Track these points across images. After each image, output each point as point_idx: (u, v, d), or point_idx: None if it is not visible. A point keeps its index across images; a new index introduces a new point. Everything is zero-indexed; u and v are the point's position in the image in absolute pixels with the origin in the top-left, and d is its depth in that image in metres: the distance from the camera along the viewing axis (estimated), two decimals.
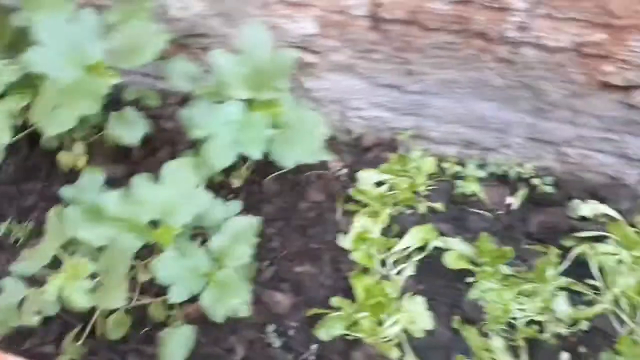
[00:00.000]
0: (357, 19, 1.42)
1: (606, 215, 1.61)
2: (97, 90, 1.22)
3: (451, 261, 1.48)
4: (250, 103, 1.41)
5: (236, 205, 1.45)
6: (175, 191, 1.18)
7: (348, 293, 1.47)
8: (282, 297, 1.48)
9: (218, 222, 1.28)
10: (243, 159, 1.63)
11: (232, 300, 1.17)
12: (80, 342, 1.27)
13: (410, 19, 1.38)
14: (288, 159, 1.35)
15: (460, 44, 1.40)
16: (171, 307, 1.38)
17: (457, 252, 1.49)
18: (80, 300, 1.05)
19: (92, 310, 1.29)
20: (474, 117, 1.60)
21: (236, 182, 1.66)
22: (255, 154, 1.30)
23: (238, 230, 1.24)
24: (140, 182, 1.18)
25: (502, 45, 1.37)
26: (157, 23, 1.60)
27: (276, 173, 1.69)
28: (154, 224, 1.19)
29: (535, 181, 1.66)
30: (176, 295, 1.13)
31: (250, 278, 1.35)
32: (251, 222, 1.27)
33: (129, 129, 1.46)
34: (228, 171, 1.66)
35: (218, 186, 1.65)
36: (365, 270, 1.51)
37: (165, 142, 1.74)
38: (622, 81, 1.36)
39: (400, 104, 1.65)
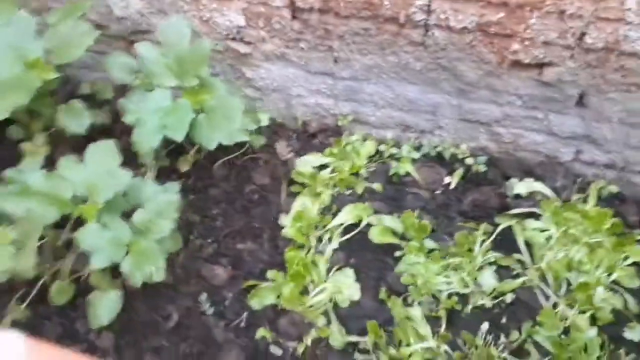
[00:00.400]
0: (279, 9, 1.51)
1: (540, 193, 1.65)
2: (31, 84, 1.34)
3: (376, 235, 1.54)
4: (181, 91, 1.52)
5: (174, 186, 1.55)
6: (97, 170, 1.29)
7: (283, 267, 1.54)
8: (220, 270, 1.56)
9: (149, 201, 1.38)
10: (191, 144, 1.74)
11: (148, 267, 1.26)
12: (24, 305, 1.39)
13: (324, 7, 1.45)
14: (210, 141, 1.44)
15: (374, 29, 1.47)
16: (115, 277, 1.48)
17: (382, 226, 1.55)
18: (1, 264, 1.16)
19: (38, 277, 1.41)
20: (403, 100, 1.67)
21: (184, 167, 1.76)
22: (178, 137, 1.40)
23: (160, 207, 1.34)
24: (66, 162, 1.30)
25: (413, 29, 1.43)
26: (107, 22, 1.74)
27: (224, 158, 1.79)
28: (83, 201, 1.30)
29: (470, 161, 1.71)
30: (97, 262, 1.23)
31: (175, 250, 1.44)
32: (171, 199, 1.36)
33: (76, 120, 1.58)
34: (176, 157, 1.78)
35: (169, 171, 1.76)
36: (301, 246, 1.58)
37: (122, 132, 1.85)
38: (530, 59, 1.41)
39: (336, 90, 1.73)
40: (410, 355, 1.35)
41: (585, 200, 1.62)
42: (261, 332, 1.42)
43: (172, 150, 1.76)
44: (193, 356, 1.39)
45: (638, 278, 1.46)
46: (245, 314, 1.47)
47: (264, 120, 1.80)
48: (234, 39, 1.69)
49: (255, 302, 1.48)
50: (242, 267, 1.58)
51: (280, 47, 1.67)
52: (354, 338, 1.40)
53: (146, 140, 1.40)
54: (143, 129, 1.40)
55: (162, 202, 1.35)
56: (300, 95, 1.79)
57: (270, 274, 1.53)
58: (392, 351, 1.36)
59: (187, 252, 1.60)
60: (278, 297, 1.48)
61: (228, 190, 1.76)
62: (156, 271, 1.27)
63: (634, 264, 1.50)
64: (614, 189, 1.64)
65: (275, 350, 1.40)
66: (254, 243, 1.64)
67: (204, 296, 1.48)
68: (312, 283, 1.49)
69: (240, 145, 1.82)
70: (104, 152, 1.33)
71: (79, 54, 1.43)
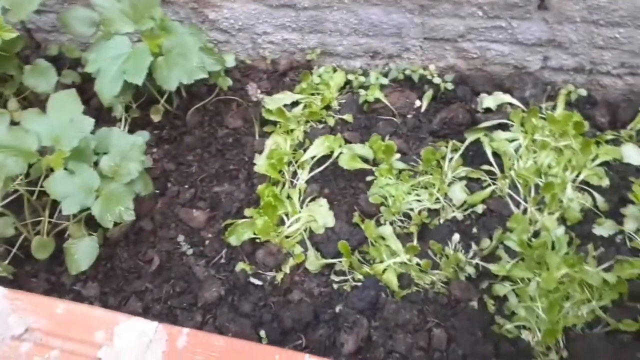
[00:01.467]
0: None
1: (510, 104, 1.63)
2: None
3: (345, 162, 1.55)
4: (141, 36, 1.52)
5: (143, 134, 1.57)
6: (60, 120, 1.31)
7: (259, 204, 1.57)
8: (198, 213, 1.60)
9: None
10: (160, 93, 1.75)
11: (117, 208, 1.30)
12: (6, 261, 1.44)
13: None
14: (169, 81, 1.45)
15: None
16: (95, 229, 1.53)
17: (351, 153, 1.56)
18: None
19: (19, 235, 1.47)
20: (367, 25, 1.65)
21: (156, 117, 1.78)
22: (138, 80, 1.41)
23: (125, 150, 1.37)
24: (29, 115, 1.32)
25: None
26: None
27: (197, 105, 1.80)
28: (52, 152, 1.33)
29: (439, 81, 1.70)
30: (68, 208, 1.27)
31: (147, 193, 1.47)
32: (135, 141, 1.39)
33: (43, 79, 1.60)
34: (147, 107, 1.79)
35: (143, 123, 1.78)
36: (275, 183, 1.61)
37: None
38: None
39: (300, 22, 1.71)
40: (384, 271, 1.38)
41: (555, 107, 1.60)
42: (240, 266, 1.46)
43: (144, 101, 1.78)
44: (176, 295, 1.44)
45: (607, 177, 1.46)
46: (224, 251, 1.51)
47: (230, 61, 1.79)
48: None
49: (233, 239, 1.51)
50: (219, 208, 1.61)
51: None
52: (329, 260, 1.43)
53: (107, 88, 1.42)
54: (104, 77, 1.41)
55: (127, 146, 1.37)
56: (266, 33, 1.77)
57: (247, 211, 1.56)
58: (366, 269, 1.39)
59: (164, 199, 1.63)
60: (255, 232, 1.51)
61: (202, 136, 1.77)
62: (125, 211, 1.31)
63: (604, 163, 1.49)
64: (583, 92, 1.62)
65: (255, 281, 1.45)
66: (230, 184, 1.66)
67: (182, 238, 1.52)
68: (287, 215, 1.52)
69: (210, 90, 1.83)
70: (66, 101, 1.35)
71: (32, 8, 1.43)
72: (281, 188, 1.59)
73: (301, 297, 1.38)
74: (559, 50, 1.57)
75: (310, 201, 1.55)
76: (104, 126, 1.52)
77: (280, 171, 1.61)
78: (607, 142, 1.52)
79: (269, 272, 1.45)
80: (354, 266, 1.41)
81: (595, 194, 1.43)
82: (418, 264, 1.37)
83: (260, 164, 1.64)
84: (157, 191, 1.65)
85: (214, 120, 1.81)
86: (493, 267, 1.33)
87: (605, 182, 1.45)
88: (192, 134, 1.78)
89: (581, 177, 1.45)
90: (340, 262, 1.43)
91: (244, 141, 1.75)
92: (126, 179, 1.35)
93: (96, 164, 1.41)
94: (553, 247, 1.32)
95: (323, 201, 1.55)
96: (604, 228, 1.37)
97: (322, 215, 1.52)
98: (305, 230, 1.50)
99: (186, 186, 1.67)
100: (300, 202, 1.55)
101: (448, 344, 1.25)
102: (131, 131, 1.70)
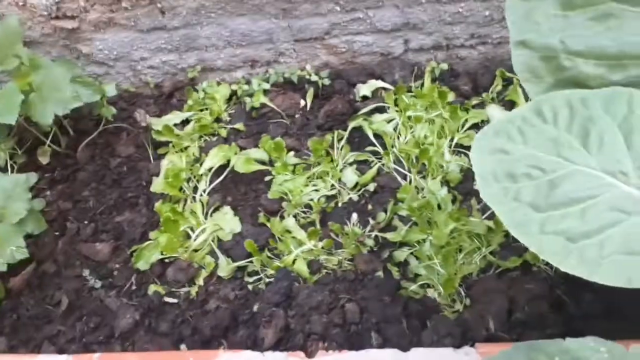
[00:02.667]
0: None
1: (383, 88, 1.76)
2: None
3: (241, 166, 1.60)
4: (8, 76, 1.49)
5: (30, 175, 1.53)
6: None
7: None
8: (102, 246, 1.57)
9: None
10: (45, 135, 1.71)
11: (8, 249, 1.26)
12: None
13: None
14: (44, 115, 1.44)
15: None
16: None
17: (245, 157, 1.61)
18: None
19: None
20: (239, 35, 1.71)
21: (44, 159, 1.73)
22: (10, 120, 1.39)
23: (8, 190, 1.33)
24: None
25: None
26: None
27: (86, 141, 1.77)
28: None
29: (316, 78, 1.79)
30: None
31: (41, 229, 1.43)
32: (18, 179, 1.35)
33: None
34: (34, 152, 1.75)
35: (31, 167, 1.72)
36: (176, 201, 1.61)
37: None
38: None
39: (175, 42, 1.74)
40: (294, 262, 1.43)
41: (423, 85, 1.75)
42: (153, 288, 1.45)
43: (30, 145, 1.74)
44: (90, 330, 1.41)
45: None
46: (134, 277, 1.49)
47: (111, 90, 1.77)
48: (57, 17, 1.65)
49: (142, 264, 1.50)
50: (123, 237, 1.59)
51: (105, 13, 1.65)
52: (240, 263, 1.46)
53: None
54: None
55: (10, 185, 1.33)
56: (144, 58, 1.79)
57: (151, 234, 1.55)
58: (277, 263, 1.43)
59: (65, 239, 1.58)
60: (162, 252, 1.51)
61: (95, 170, 1.74)
62: (17, 250, 1.27)
63: (474, 126, 1.65)
64: (444, 66, 1.77)
65: (170, 299, 1.44)
66: (131, 212, 1.65)
67: (87, 272, 1.49)
68: (192, 229, 1.53)
69: (97, 123, 1.81)
70: None
71: None
72: (183, 204, 1.60)
73: (217, 304, 1.40)
74: (415, 31, 1.72)
75: (214, 211, 1.58)
76: None
77: (180, 189, 1.62)
78: (473, 107, 1.68)
79: (182, 289, 1.45)
80: (265, 263, 1.44)
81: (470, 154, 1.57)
82: (323, 247, 1.43)
83: (158, 184, 1.64)
84: (56, 233, 1.60)
85: (105, 152, 1.79)
86: (390, 236, 1.42)
87: None
88: (84, 169, 1.75)
89: (455, 141, 1.59)
90: (252, 262, 1.46)
91: (139, 167, 1.75)
92: (14, 218, 1.32)
93: None
94: (439, 207, 1.44)
95: (227, 208, 1.58)
96: None
97: (227, 222, 1.55)
98: (213, 240, 1.52)
99: (86, 222, 1.64)
100: (204, 214, 1.57)
101: (361, 314, 1.31)
102: None
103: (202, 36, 1.72)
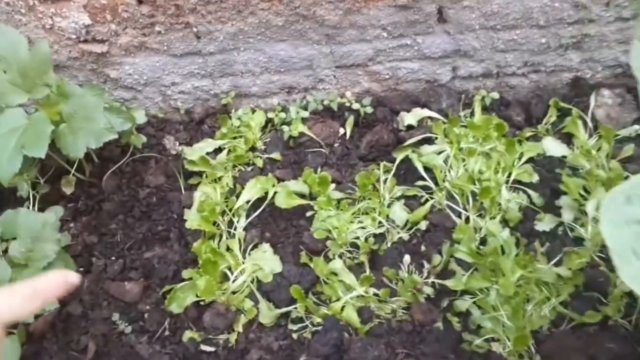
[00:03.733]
0: None
1: (430, 117, 1.66)
2: None
3: (282, 201, 1.49)
4: (36, 105, 1.39)
5: (56, 209, 1.42)
6: None
7: (197, 262, 1.46)
8: (131, 285, 1.45)
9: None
10: (69, 163, 1.60)
11: None
12: None
13: None
14: (76, 149, 1.33)
15: None
16: (14, 326, 1.34)
17: (286, 191, 1.50)
18: None
19: None
20: (278, 61, 1.61)
21: (68, 189, 1.62)
22: (40, 153, 1.28)
23: (36, 231, 1.22)
24: None
25: None
26: None
27: (112, 169, 1.66)
28: None
29: (357, 106, 1.69)
30: None
31: (71, 269, 1.32)
32: (47, 218, 1.25)
33: None
34: (57, 180, 1.64)
35: (55, 197, 1.61)
36: (211, 237, 1.50)
37: None
38: None
39: (209, 68, 1.65)
40: (342, 309, 1.31)
41: (473, 114, 1.65)
42: (188, 335, 1.34)
43: (53, 174, 1.62)
44: None
45: (536, 173, 1.50)
46: (167, 322, 1.38)
47: (140, 117, 1.68)
48: (85, 40, 1.56)
49: (175, 306, 1.39)
50: (154, 275, 1.48)
51: (137, 37, 1.56)
52: (283, 309, 1.34)
53: (5, 167, 1.26)
54: (0, 155, 1.26)
55: (38, 226, 1.22)
56: (175, 83, 1.69)
57: (185, 273, 1.44)
58: (324, 310, 1.32)
59: (91, 277, 1.47)
60: (198, 294, 1.39)
61: (122, 201, 1.63)
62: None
63: (530, 160, 1.54)
64: (495, 95, 1.67)
65: (207, 348, 1.33)
66: (162, 247, 1.54)
67: (117, 316, 1.38)
68: (230, 269, 1.42)
69: (124, 151, 1.71)
70: None
71: None
72: (219, 240, 1.49)
73: (260, 355, 1.28)
74: (465, 59, 1.62)
75: (252, 249, 1.47)
76: (9, 208, 1.36)
77: (214, 223, 1.51)
78: (527, 139, 1.58)
79: (220, 336, 1.34)
80: (311, 310, 1.33)
81: (529, 191, 1.47)
82: (376, 294, 1.32)
83: (191, 219, 1.52)
84: (82, 269, 1.50)
85: (133, 182, 1.68)
86: (450, 283, 1.30)
87: (535, 178, 1.49)
88: (110, 200, 1.64)
89: (512, 176, 1.49)
90: (296, 308, 1.34)
91: (169, 198, 1.64)
92: (42, 263, 1.21)
93: (5, 251, 1.25)
94: (503, 252, 1.33)
95: (266, 246, 1.46)
96: (544, 223, 1.40)
97: (267, 261, 1.43)
98: (252, 282, 1.41)
99: (113, 258, 1.52)
100: (241, 252, 1.46)
101: None
102: (42, 209, 1.54)
103: (238, 62, 1.63)
